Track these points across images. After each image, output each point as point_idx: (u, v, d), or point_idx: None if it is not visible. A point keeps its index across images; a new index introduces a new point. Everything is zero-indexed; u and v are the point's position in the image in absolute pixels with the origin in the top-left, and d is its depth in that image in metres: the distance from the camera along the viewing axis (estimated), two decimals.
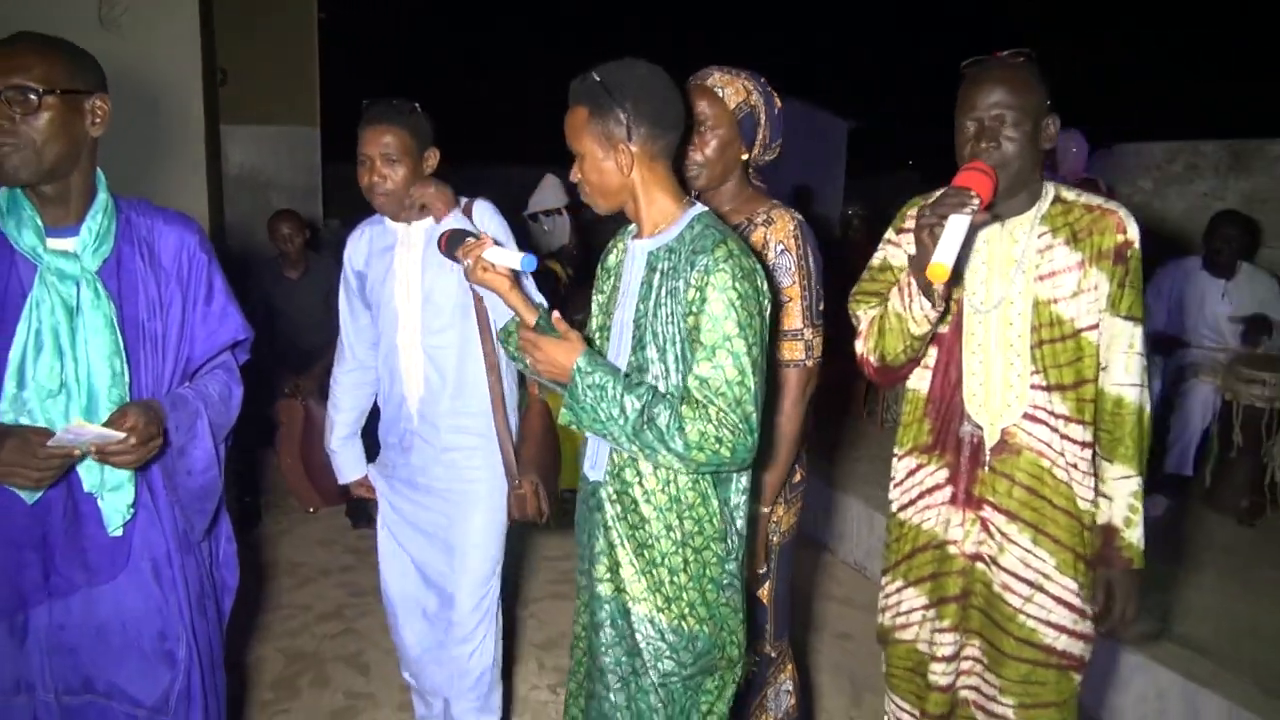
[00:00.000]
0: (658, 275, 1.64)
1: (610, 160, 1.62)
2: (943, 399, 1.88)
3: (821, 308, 2.04)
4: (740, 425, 1.54)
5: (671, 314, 1.60)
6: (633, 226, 1.75)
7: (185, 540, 1.77)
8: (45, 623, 1.63)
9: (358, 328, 2.44)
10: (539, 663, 3.19)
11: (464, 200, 2.29)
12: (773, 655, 2.22)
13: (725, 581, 1.69)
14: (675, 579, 1.66)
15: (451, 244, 1.76)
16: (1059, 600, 1.80)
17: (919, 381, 1.92)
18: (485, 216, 2.27)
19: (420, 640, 2.43)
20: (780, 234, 1.99)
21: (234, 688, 2.96)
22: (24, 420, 1.56)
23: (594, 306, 1.84)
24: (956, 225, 1.57)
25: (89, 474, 1.61)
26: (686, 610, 1.66)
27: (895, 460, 1.98)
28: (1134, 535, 1.78)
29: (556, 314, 1.69)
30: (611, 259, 1.81)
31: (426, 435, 2.31)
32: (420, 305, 2.26)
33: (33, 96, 1.50)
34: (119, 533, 1.66)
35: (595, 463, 1.74)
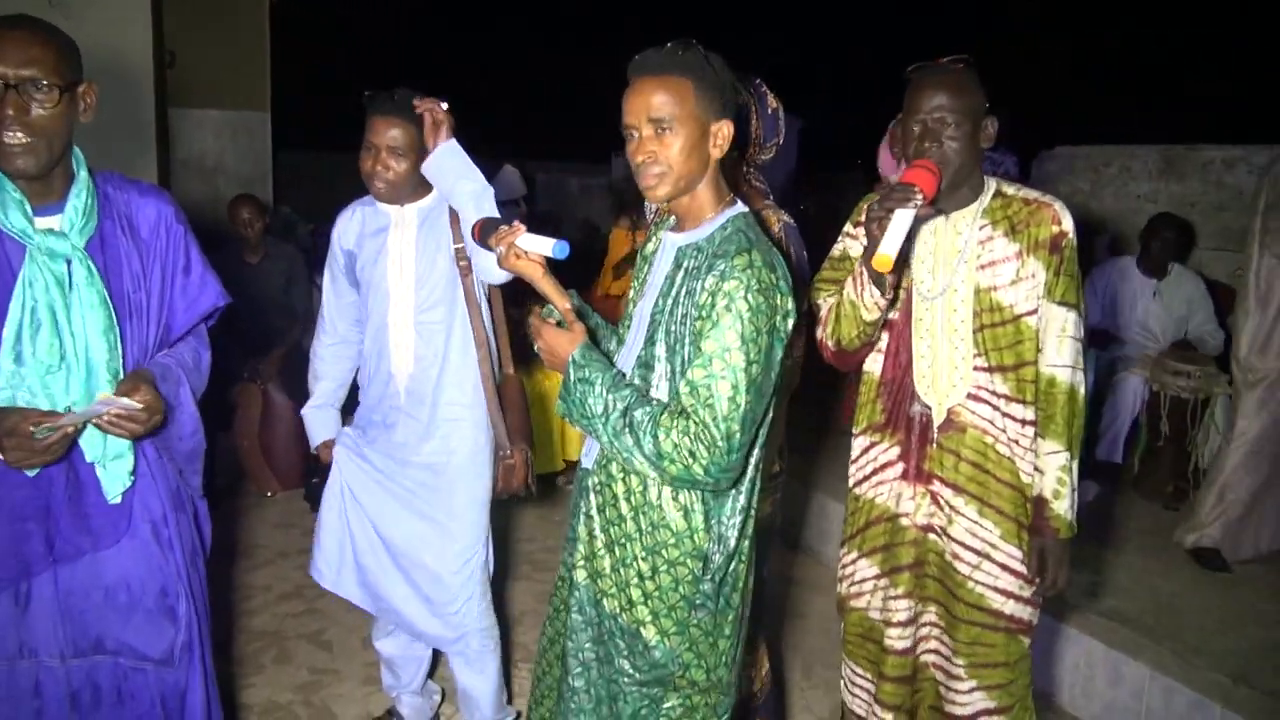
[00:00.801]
0: (682, 272, 1.59)
1: (705, 141, 1.54)
2: (894, 381, 2.01)
3: (805, 308, 2.12)
4: (719, 443, 1.46)
5: (685, 315, 1.56)
6: (672, 218, 1.72)
7: (178, 500, 1.84)
8: (52, 590, 1.68)
9: (341, 305, 2.48)
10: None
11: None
12: None
13: (698, 601, 1.62)
14: (642, 584, 1.63)
15: (485, 232, 1.79)
16: (1004, 567, 1.93)
17: (872, 364, 2.05)
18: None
19: (404, 602, 2.45)
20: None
21: None
22: (22, 396, 1.59)
23: (631, 293, 1.83)
24: (901, 219, 1.69)
25: (91, 446, 1.66)
26: (648, 618, 1.62)
27: (852, 439, 2.10)
28: (1061, 507, 1.91)
29: (568, 304, 1.65)
30: (649, 247, 1.78)
31: (413, 411, 2.36)
32: (414, 285, 2.31)
33: (55, 92, 1.52)
34: (118, 500, 1.71)
35: (589, 449, 1.75)
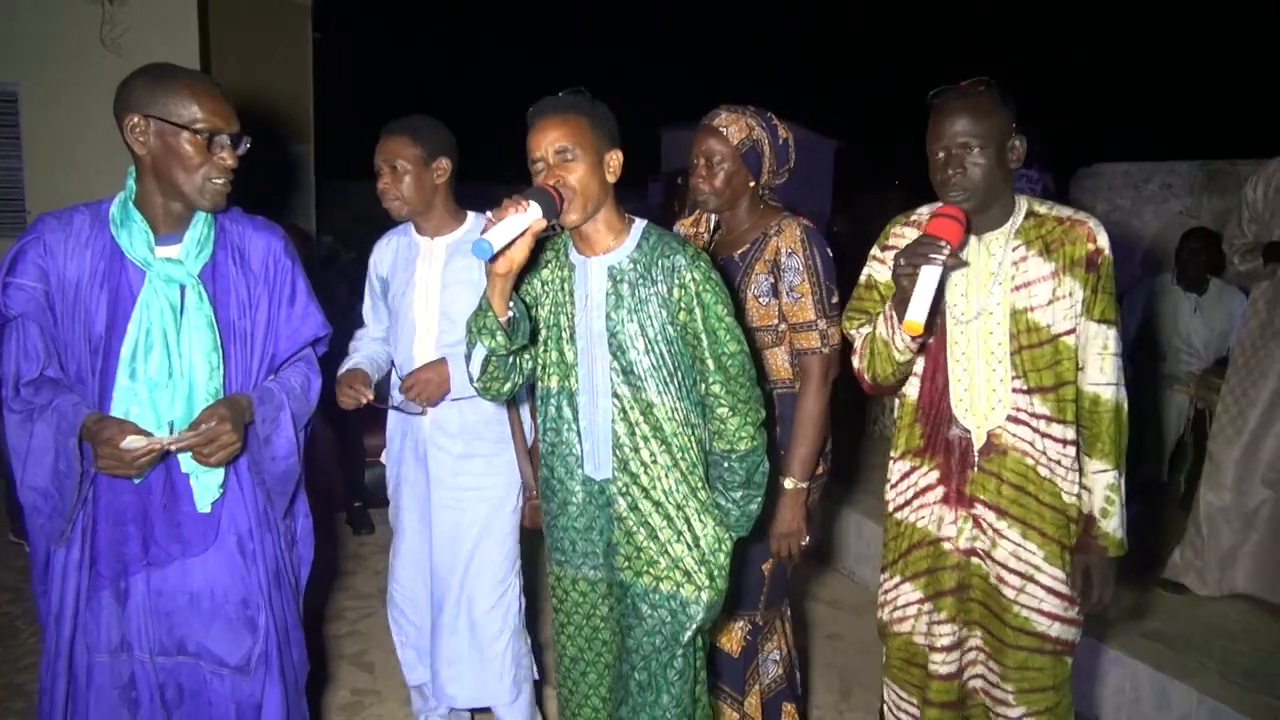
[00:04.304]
0: (625, 285, 1.78)
1: (602, 167, 1.75)
2: (931, 405, 2.00)
3: (835, 300, 2.23)
4: (753, 385, 1.80)
5: (652, 316, 1.76)
6: (558, 243, 1.88)
7: (265, 519, 1.94)
8: (144, 590, 1.82)
9: (376, 328, 2.55)
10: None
11: (479, 216, 2.41)
12: (761, 624, 2.38)
13: (730, 545, 1.85)
14: (693, 551, 1.80)
15: (529, 192, 1.68)
16: (1049, 590, 1.92)
17: (909, 388, 2.04)
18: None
19: (447, 646, 2.45)
20: (788, 240, 2.22)
21: None
22: (134, 410, 1.74)
23: (546, 314, 1.89)
24: (928, 276, 1.72)
25: (187, 457, 1.78)
26: (706, 581, 1.80)
27: (891, 463, 2.09)
28: (1110, 525, 1.90)
29: (508, 314, 1.73)
30: (545, 272, 1.88)
31: (441, 443, 2.39)
32: (438, 318, 2.35)
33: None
34: (208, 510, 1.84)
35: (598, 463, 1.84)
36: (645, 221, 1.84)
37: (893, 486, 2.09)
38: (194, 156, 1.72)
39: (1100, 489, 1.90)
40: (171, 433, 1.74)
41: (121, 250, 1.75)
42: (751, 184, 2.28)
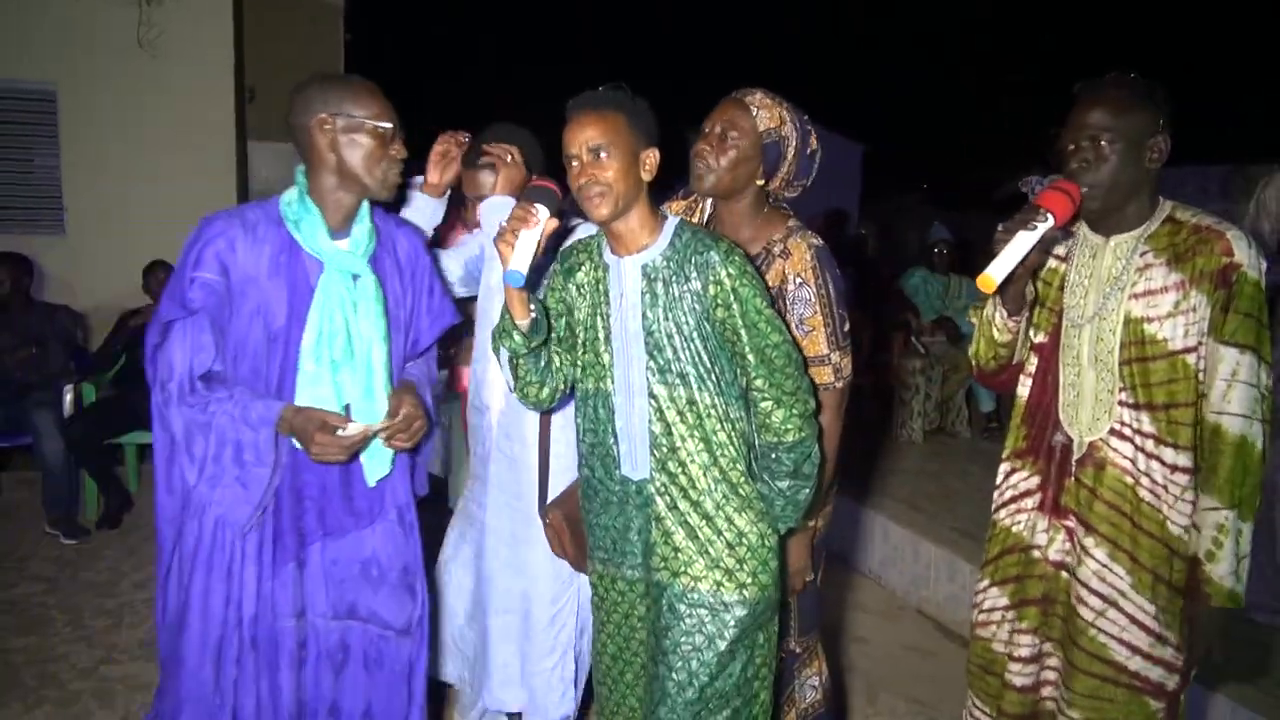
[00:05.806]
0: (660, 284, 1.77)
1: (636, 166, 1.74)
2: (1039, 407, 1.94)
3: (846, 329, 2.07)
4: (800, 374, 1.78)
5: (687, 313, 1.75)
6: (592, 242, 1.87)
7: (414, 494, 2.12)
8: (319, 559, 1.96)
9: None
10: None
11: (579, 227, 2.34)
12: (798, 651, 2.29)
13: (774, 541, 1.83)
14: (734, 551, 1.78)
15: (527, 195, 1.78)
16: (1133, 620, 1.79)
17: (1022, 388, 1.98)
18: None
19: (504, 659, 2.36)
20: (797, 266, 2.03)
21: None
22: (322, 391, 1.86)
23: (569, 316, 1.90)
24: (1021, 241, 1.66)
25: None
26: (748, 579, 1.78)
27: (1001, 462, 2.03)
28: (1216, 570, 1.71)
29: (527, 318, 1.78)
30: (580, 275, 1.87)
31: (503, 448, 2.32)
32: None
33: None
34: (374, 485, 1.99)
35: (635, 463, 1.82)
36: (678, 218, 1.83)
37: (997, 487, 2.02)
38: (377, 150, 1.86)
39: (1208, 528, 1.72)
40: (348, 414, 1.85)
41: (296, 244, 1.87)
42: (760, 182, 2.07)
